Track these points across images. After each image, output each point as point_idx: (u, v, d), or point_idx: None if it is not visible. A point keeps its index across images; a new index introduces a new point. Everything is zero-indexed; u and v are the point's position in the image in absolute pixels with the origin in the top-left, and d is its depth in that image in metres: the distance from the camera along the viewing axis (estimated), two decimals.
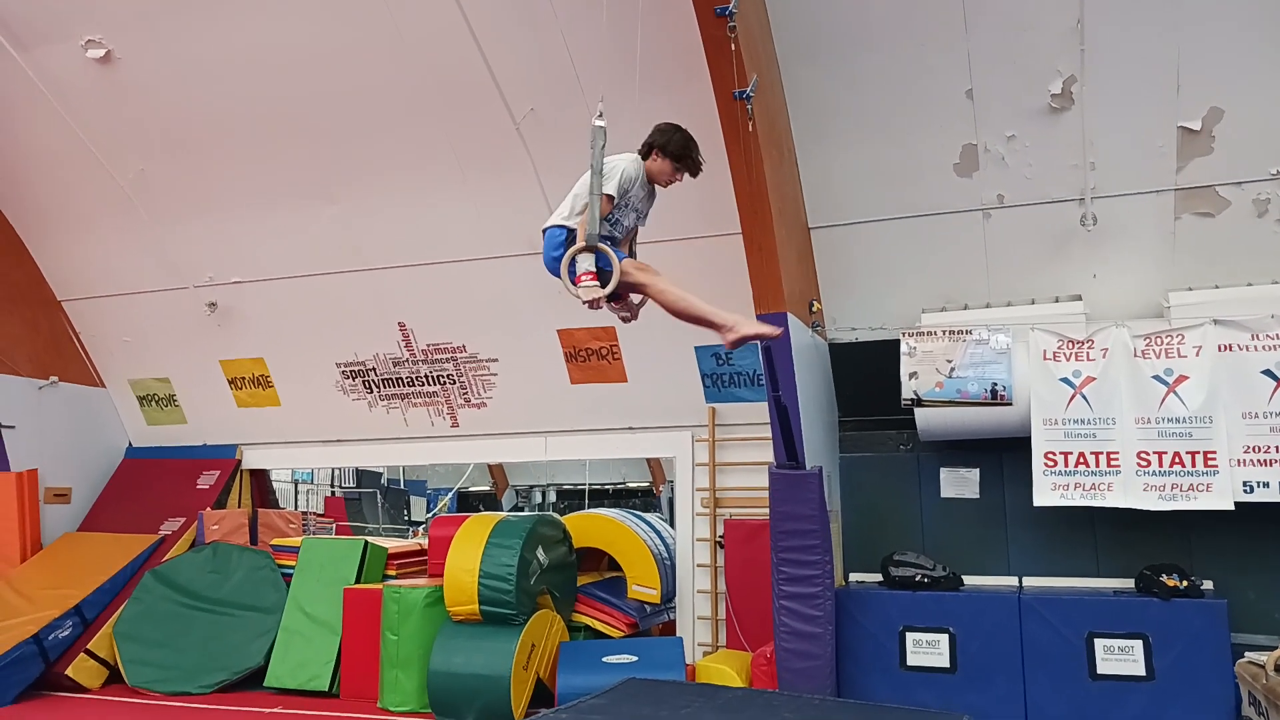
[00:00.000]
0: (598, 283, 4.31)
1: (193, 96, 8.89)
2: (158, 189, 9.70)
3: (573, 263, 4.33)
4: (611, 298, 4.40)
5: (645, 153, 4.57)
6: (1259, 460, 6.79)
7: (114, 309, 10.73)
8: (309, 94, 8.59)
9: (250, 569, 9.59)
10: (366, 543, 9.34)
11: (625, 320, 4.72)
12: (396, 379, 10.05)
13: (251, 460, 11.01)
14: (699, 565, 8.81)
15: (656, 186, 4.67)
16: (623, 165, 4.46)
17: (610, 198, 4.37)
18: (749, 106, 6.56)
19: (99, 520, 10.70)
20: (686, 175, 4.64)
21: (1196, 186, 7.17)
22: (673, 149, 4.53)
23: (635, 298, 4.55)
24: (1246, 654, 6.23)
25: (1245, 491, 6.76)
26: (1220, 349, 6.94)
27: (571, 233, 4.45)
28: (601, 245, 4.30)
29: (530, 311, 9.09)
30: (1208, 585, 7.07)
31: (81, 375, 11.05)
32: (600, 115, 4.39)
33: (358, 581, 8.99)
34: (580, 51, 7.50)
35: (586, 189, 4.37)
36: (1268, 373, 6.82)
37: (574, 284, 4.34)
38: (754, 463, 8.32)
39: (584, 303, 4.38)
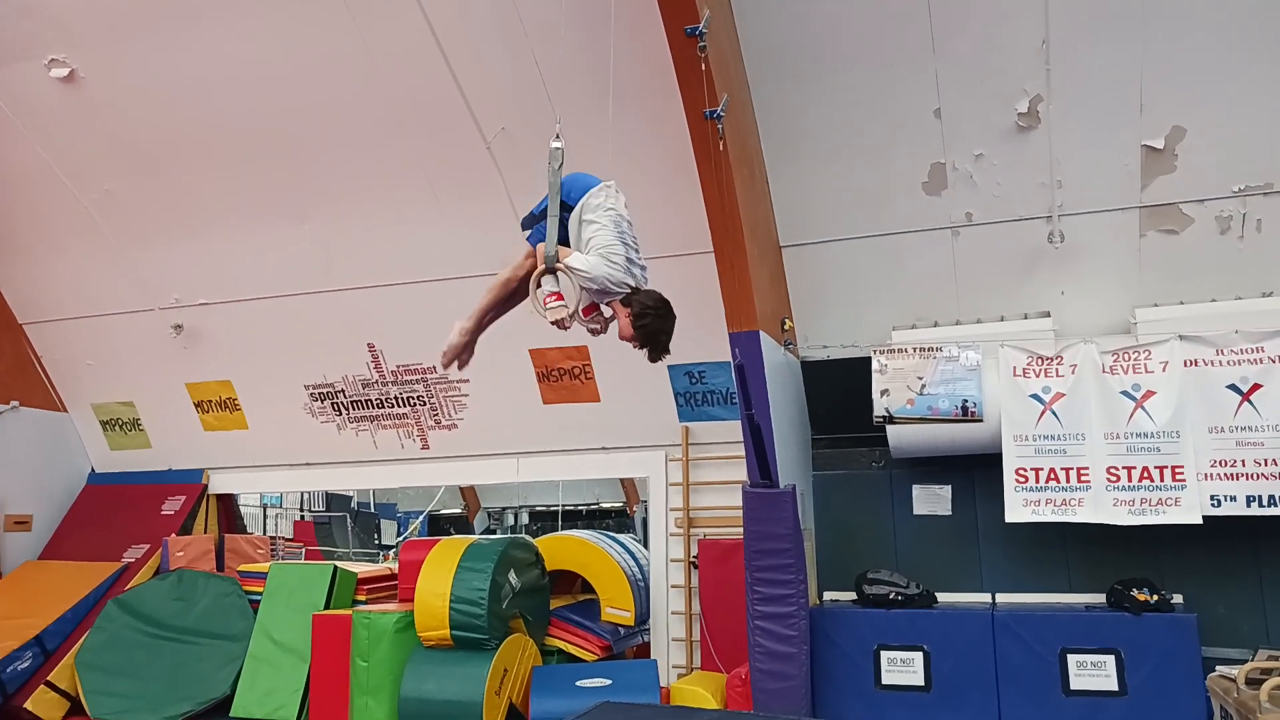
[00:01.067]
0: (563, 302, 4.31)
1: (159, 116, 8.79)
2: (123, 209, 9.57)
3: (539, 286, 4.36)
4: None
5: (625, 301, 4.36)
6: (1226, 474, 6.86)
7: (77, 331, 10.56)
8: (277, 113, 8.52)
9: (216, 596, 9.41)
10: (336, 568, 9.21)
11: (595, 333, 4.69)
12: (366, 401, 9.94)
13: (218, 485, 10.83)
14: (673, 586, 8.75)
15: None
16: (597, 271, 4.29)
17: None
18: (720, 126, 6.59)
19: (61, 548, 10.48)
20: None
21: (1161, 204, 7.27)
22: (643, 329, 4.32)
23: (606, 311, 4.52)
24: (1218, 668, 6.29)
25: (1213, 505, 6.82)
26: (1186, 364, 7.01)
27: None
28: (560, 266, 4.29)
29: (502, 331, 8.90)
30: (1178, 599, 7.12)
31: (43, 400, 10.84)
32: (558, 137, 4.40)
33: (327, 607, 8.85)
34: (552, 71, 7.50)
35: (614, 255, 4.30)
36: (1232, 387, 6.90)
37: (543, 307, 4.35)
38: (728, 482, 8.29)
39: (551, 323, 4.37)
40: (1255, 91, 6.85)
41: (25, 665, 8.75)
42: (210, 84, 8.45)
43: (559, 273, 4.32)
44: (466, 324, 4.81)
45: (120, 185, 9.40)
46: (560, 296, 4.31)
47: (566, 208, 4.45)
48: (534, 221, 4.58)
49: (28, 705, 8.58)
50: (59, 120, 9.03)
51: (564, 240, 4.46)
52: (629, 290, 4.34)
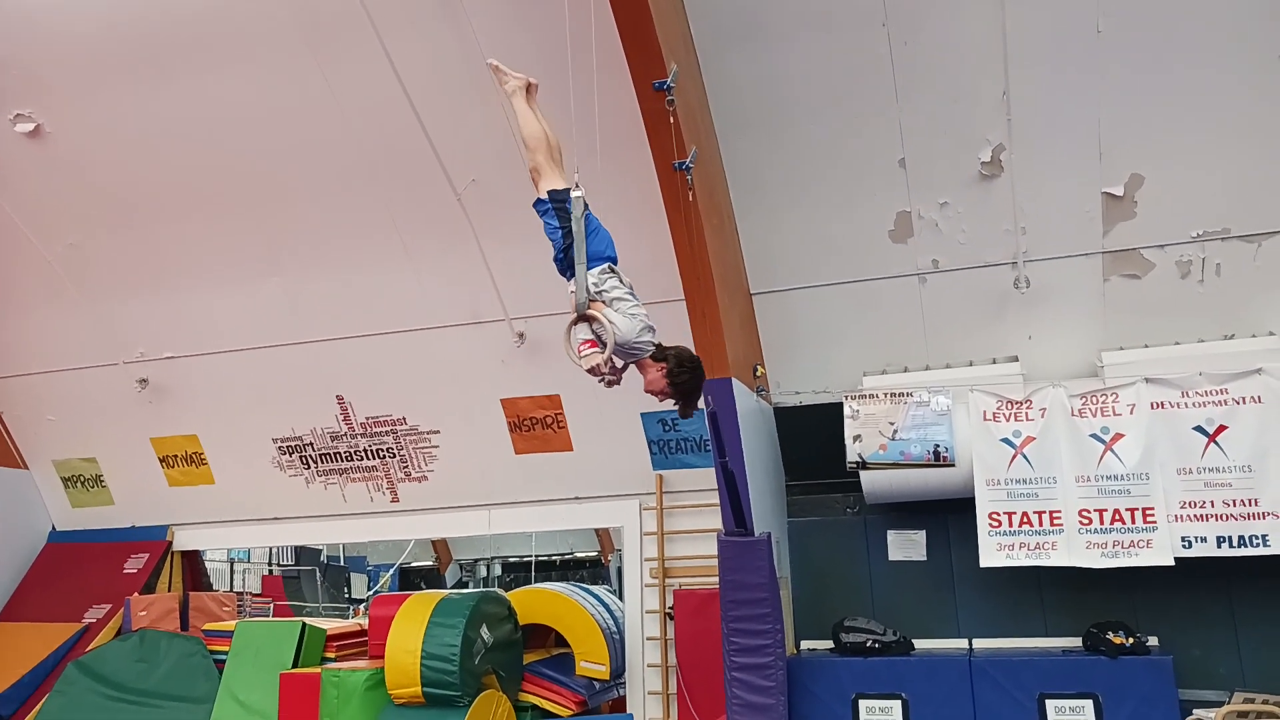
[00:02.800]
0: (597, 349, 4.35)
1: (125, 170, 8.76)
2: (88, 263, 9.48)
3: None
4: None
5: (657, 357, 4.48)
6: (1195, 515, 6.92)
7: (40, 387, 10.38)
8: (244, 166, 8.51)
9: (180, 657, 9.17)
10: (304, 624, 9.01)
11: (610, 384, 4.70)
12: (335, 454, 9.82)
13: (183, 541, 10.62)
14: (649, 638, 8.64)
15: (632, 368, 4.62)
16: (624, 328, 4.36)
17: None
18: (689, 177, 6.65)
19: (19, 609, 10.20)
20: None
21: (1122, 249, 7.41)
22: (680, 386, 4.45)
23: (619, 361, 4.54)
24: (1195, 711, 6.29)
25: (1184, 546, 6.86)
26: (1153, 406, 7.10)
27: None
28: (592, 312, 4.36)
29: (473, 382, 8.99)
30: (1153, 641, 7.13)
31: (3, 457, 10.63)
32: (577, 185, 4.53)
33: (295, 665, 8.64)
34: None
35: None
36: (1199, 429, 6.99)
37: (577, 355, 4.40)
38: (703, 530, 8.24)
39: (586, 371, 4.42)
40: (1212, 138, 7.02)
41: None
42: (177, 138, 8.44)
43: (590, 322, 4.38)
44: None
45: (85, 239, 9.32)
46: (594, 344, 4.36)
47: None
48: (567, 263, 4.62)
49: None
50: (24, 175, 8.97)
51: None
52: (655, 347, 4.46)
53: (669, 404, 4.59)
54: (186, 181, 8.72)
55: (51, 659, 9.33)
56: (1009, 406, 7.44)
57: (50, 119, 8.58)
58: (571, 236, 4.50)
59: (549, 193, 4.66)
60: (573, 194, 4.49)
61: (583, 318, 4.38)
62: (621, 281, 4.54)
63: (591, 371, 4.40)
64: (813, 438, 8.13)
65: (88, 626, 9.75)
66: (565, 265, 4.61)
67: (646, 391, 4.55)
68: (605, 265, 4.52)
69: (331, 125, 8.12)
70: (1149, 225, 7.28)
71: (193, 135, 8.40)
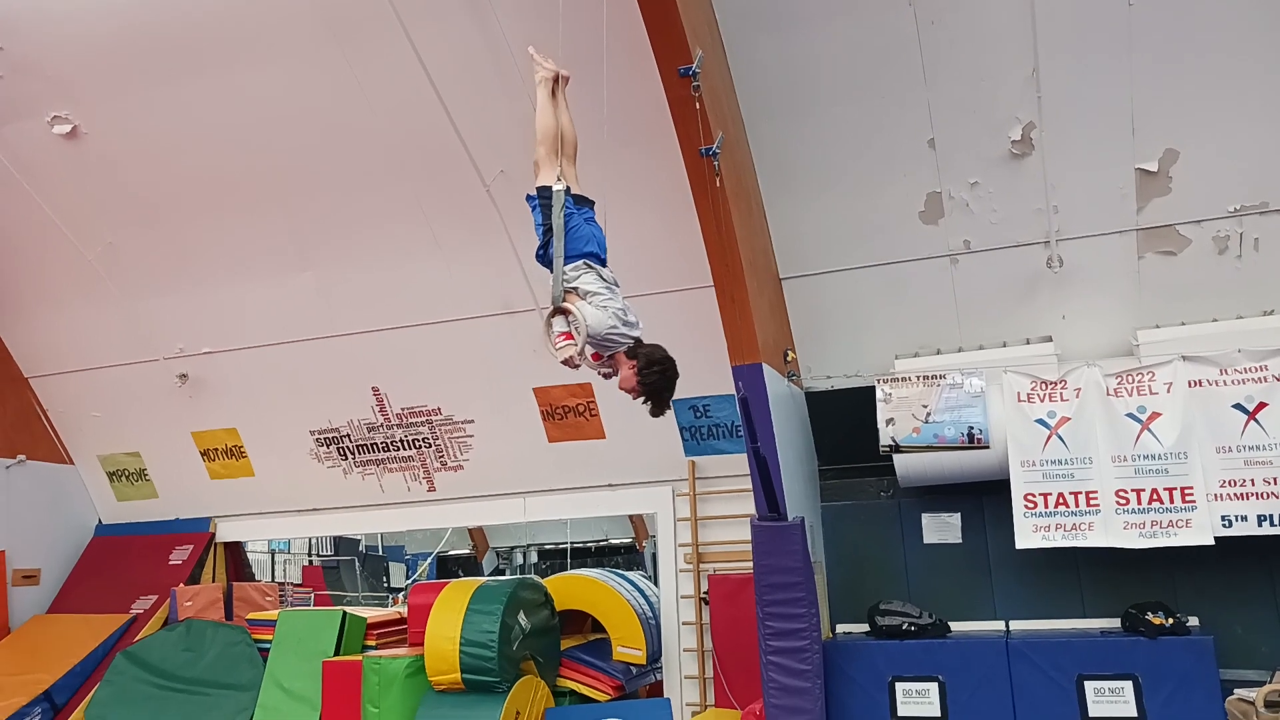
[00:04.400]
0: (572, 341, 4.38)
1: (160, 169, 8.89)
2: (126, 261, 9.65)
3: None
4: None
5: (630, 353, 4.45)
6: (1235, 494, 6.83)
7: (83, 384, 10.60)
8: (277, 162, 8.62)
9: (225, 645, 9.35)
10: (345, 613, 9.15)
11: (606, 377, 4.73)
12: (371, 444, 9.95)
13: (225, 533, 10.81)
14: (684, 623, 8.69)
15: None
16: (594, 321, 4.38)
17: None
18: (716, 163, 6.65)
19: (69, 601, 10.45)
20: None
21: (1157, 226, 7.30)
22: (648, 386, 4.41)
23: (596, 353, 4.58)
24: (1236, 691, 6.22)
25: (1224, 526, 6.78)
26: (1190, 385, 7.01)
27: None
28: (567, 305, 4.39)
29: (506, 371, 9.06)
30: (1193, 621, 7.06)
31: (49, 453, 10.86)
32: (559, 179, 4.55)
33: (337, 653, 8.79)
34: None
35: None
36: (1238, 406, 6.89)
37: (554, 347, 4.43)
38: (736, 515, 8.27)
39: (561, 362, 4.44)
40: (1246, 112, 6.90)
41: None
42: (210, 135, 8.56)
43: (566, 315, 4.40)
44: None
45: (122, 237, 9.49)
46: (570, 336, 4.39)
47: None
48: (546, 260, 4.66)
49: None
50: (61, 176, 9.13)
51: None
52: (633, 341, 4.44)
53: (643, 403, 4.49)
54: (218, 178, 8.84)
55: (101, 649, 9.53)
56: (1043, 387, 7.38)
57: (86, 120, 8.73)
58: (550, 233, 4.54)
59: (538, 189, 4.71)
60: (554, 188, 4.54)
61: (558, 310, 4.42)
62: (601, 277, 4.55)
63: (566, 363, 4.43)
64: (845, 422, 8.11)
65: (135, 617, 9.96)
66: (545, 261, 4.65)
67: (620, 389, 4.54)
68: (582, 261, 4.53)
69: (360, 119, 8.20)
70: (1184, 201, 7.17)
71: (224, 132, 8.52)
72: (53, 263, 9.80)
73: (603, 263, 4.63)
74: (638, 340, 4.48)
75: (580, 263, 4.53)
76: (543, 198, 4.67)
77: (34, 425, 10.77)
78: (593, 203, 4.77)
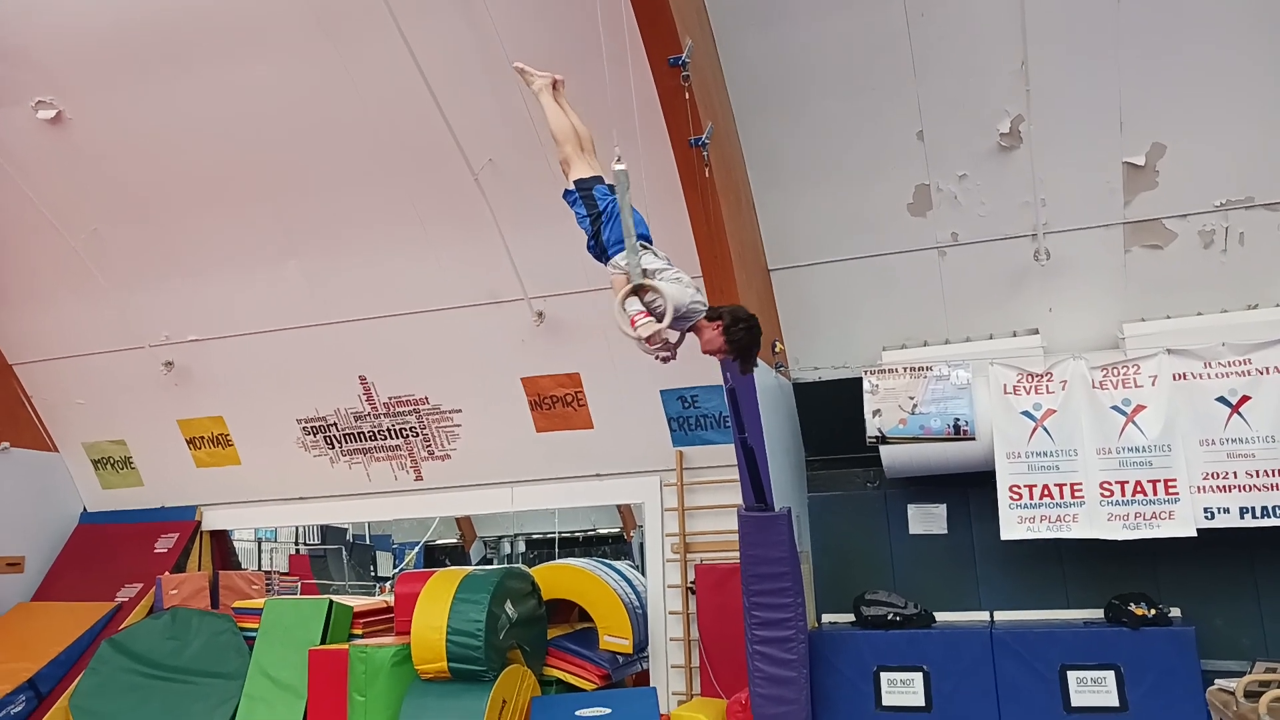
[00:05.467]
0: (650, 319, 4.42)
1: (146, 156, 8.83)
2: (112, 248, 9.58)
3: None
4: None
5: (712, 316, 4.57)
6: (1218, 486, 6.89)
7: (67, 371, 10.53)
8: (264, 150, 8.56)
9: (211, 634, 9.34)
10: (331, 602, 9.14)
11: (665, 360, 4.75)
12: (358, 433, 9.93)
13: (212, 521, 10.78)
14: (671, 613, 8.72)
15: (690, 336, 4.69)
16: (676, 294, 4.45)
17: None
18: (705, 153, 6.64)
19: (53, 589, 10.40)
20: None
21: (1144, 220, 7.34)
22: (737, 342, 4.54)
23: (672, 335, 4.61)
24: (1216, 681, 6.28)
25: (1206, 518, 6.85)
26: (1175, 378, 7.06)
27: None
28: (646, 281, 4.44)
29: (493, 361, 9.05)
30: (1175, 612, 7.13)
31: (34, 440, 10.80)
32: (619, 160, 4.55)
33: (323, 642, 8.78)
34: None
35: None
36: (1222, 400, 6.95)
37: (631, 327, 4.46)
38: (723, 505, 8.29)
39: (644, 340, 4.45)
40: (1234, 107, 6.94)
41: (19, 710, 8.66)
42: (197, 124, 8.49)
43: (642, 294, 4.47)
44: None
45: (108, 225, 9.42)
46: (647, 314, 4.43)
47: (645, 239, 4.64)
48: (599, 249, 4.70)
49: None
50: (46, 162, 9.06)
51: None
52: (706, 308, 4.55)
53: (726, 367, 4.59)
54: (205, 168, 8.78)
55: (86, 637, 9.49)
56: (1029, 379, 7.42)
57: (71, 106, 8.65)
58: (601, 220, 4.55)
59: (575, 182, 4.74)
60: (615, 168, 4.53)
61: (635, 289, 4.44)
62: (657, 255, 4.62)
63: (649, 340, 4.43)
64: (832, 413, 8.14)
65: (120, 605, 9.92)
66: (598, 251, 4.69)
67: (704, 352, 4.64)
68: (638, 242, 4.58)
69: (348, 110, 8.15)
70: (1171, 195, 7.21)
71: (212, 124, 8.45)
72: (37, 250, 9.73)
73: (650, 242, 4.65)
74: (713, 307, 4.58)
75: (637, 243, 4.55)
76: (582, 190, 4.70)
77: (18, 412, 10.70)
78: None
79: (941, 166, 7.54)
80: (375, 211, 8.71)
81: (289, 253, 9.17)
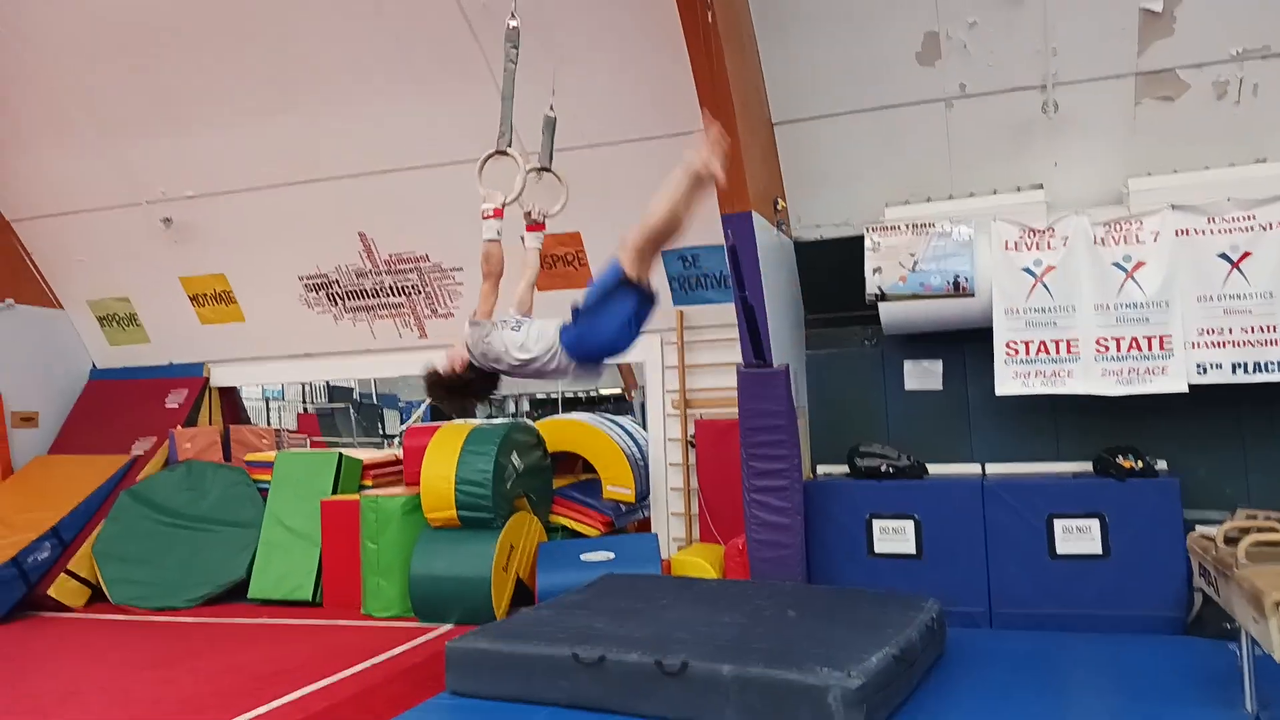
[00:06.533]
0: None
1: (135, 4, 8.52)
2: (104, 101, 9.38)
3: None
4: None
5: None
6: (1212, 342, 6.93)
7: (67, 228, 10.48)
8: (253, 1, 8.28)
9: (226, 485, 9.64)
10: (341, 454, 9.39)
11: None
12: (360, 291, 9.96)
13: (219, 378, 10.94)
14: (671, 464, 8.96)
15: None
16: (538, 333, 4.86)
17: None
18: None
19: (69, 443, 10.65)
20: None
21: (1157, 70, 7.14)
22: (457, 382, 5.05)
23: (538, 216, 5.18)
24: (1197, 528, 6.48)
25: (1199, 373, 6.92)
26: (1177, 234, 7.01)
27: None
28: (504, 149, 5.00)
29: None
30: (1162, 465, 7.30)
31: (38, 297, 10.84)
32: (513, 15, 4.82)
33: (334, 493, 9.08)
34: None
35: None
36: (1223, 256, 6.92)
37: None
38: (723, 363, 8.39)
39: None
40: None
41: (45, 556, 9.01)
42: None
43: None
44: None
45: (100, 78, 9.18)
46: (542, 227, 5.17)
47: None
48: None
49: (51, 592, 8.89)
50: (32, 14, 8.76)
51: None
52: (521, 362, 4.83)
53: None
54: (198, 16, 8.49)
55: (104, 488, 9.77)
56: (1031, 236, 7.38)
57: None
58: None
59: (641, 280, 4.65)
60: (510, 23, 4.99)
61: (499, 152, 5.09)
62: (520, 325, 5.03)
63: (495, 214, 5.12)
64: (833, 271, 8.13)
65: (135, 458, 10.18)
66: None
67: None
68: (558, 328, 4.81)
69: None
70: (1187, 43, 6.98)
71: None
72: (27, 102, 9.52)
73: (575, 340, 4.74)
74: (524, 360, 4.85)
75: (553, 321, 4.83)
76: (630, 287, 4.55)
77: (20, 269, 10.69)
78: None
79: (951, 12, 7.28)
80: (368, 61, 8.46)
81: (282, 106, 8.95)
